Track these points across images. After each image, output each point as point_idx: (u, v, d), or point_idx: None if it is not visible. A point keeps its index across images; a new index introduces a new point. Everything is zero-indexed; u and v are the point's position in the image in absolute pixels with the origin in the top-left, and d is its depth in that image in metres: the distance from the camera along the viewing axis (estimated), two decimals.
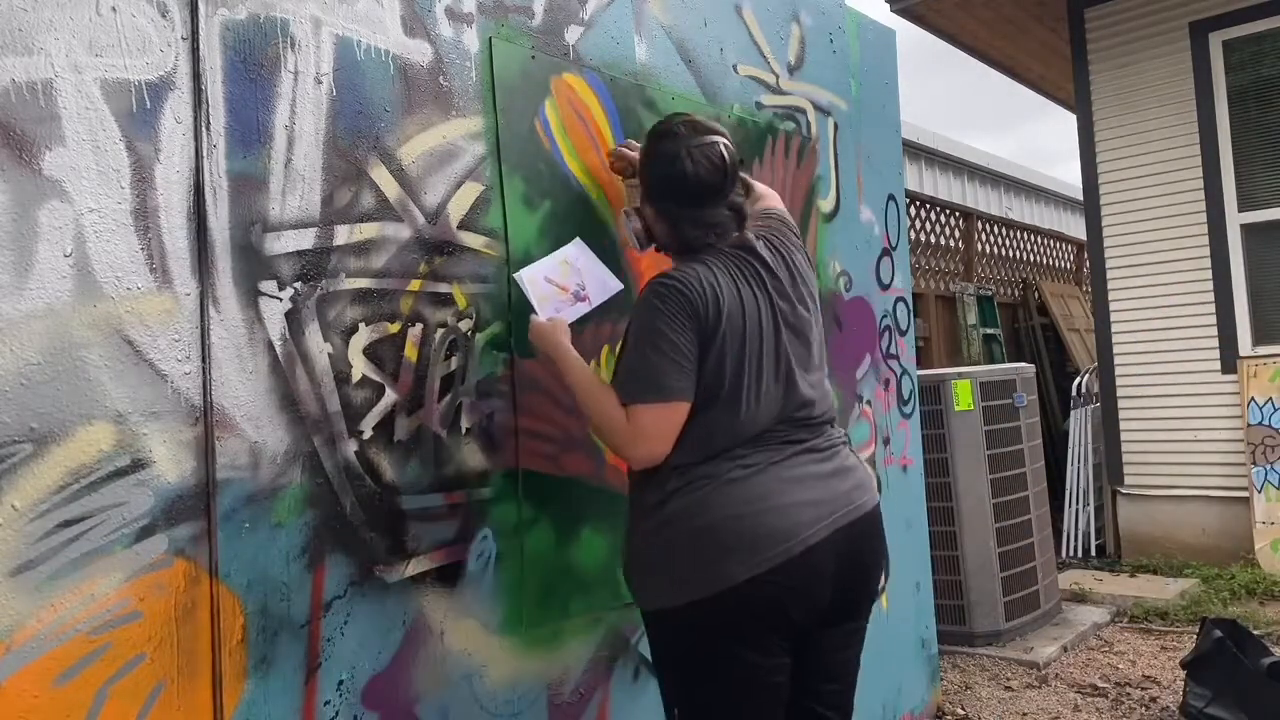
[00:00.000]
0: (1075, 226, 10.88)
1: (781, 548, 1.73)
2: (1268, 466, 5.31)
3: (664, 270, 1.90)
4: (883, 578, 1.95)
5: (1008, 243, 8.33)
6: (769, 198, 2.22)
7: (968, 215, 7.82)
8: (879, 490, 3.20)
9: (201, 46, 1.62)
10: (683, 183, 1.86)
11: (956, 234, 7.61)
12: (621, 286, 2.17)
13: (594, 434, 1.85)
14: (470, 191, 2.05)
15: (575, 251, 2.13)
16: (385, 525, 1.84)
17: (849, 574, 1.83)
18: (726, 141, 1.88)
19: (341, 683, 1.76)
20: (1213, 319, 5.59)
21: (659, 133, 1.94)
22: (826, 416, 1.92)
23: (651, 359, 1.77)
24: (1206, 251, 5.61)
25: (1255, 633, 3.60)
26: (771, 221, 2.04)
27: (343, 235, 1.81)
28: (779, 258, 1.94)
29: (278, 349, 1.70)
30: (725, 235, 1.90)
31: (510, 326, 2.09)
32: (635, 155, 2.17)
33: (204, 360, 1.60)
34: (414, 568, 1.88)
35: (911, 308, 3.61)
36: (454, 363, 1.99)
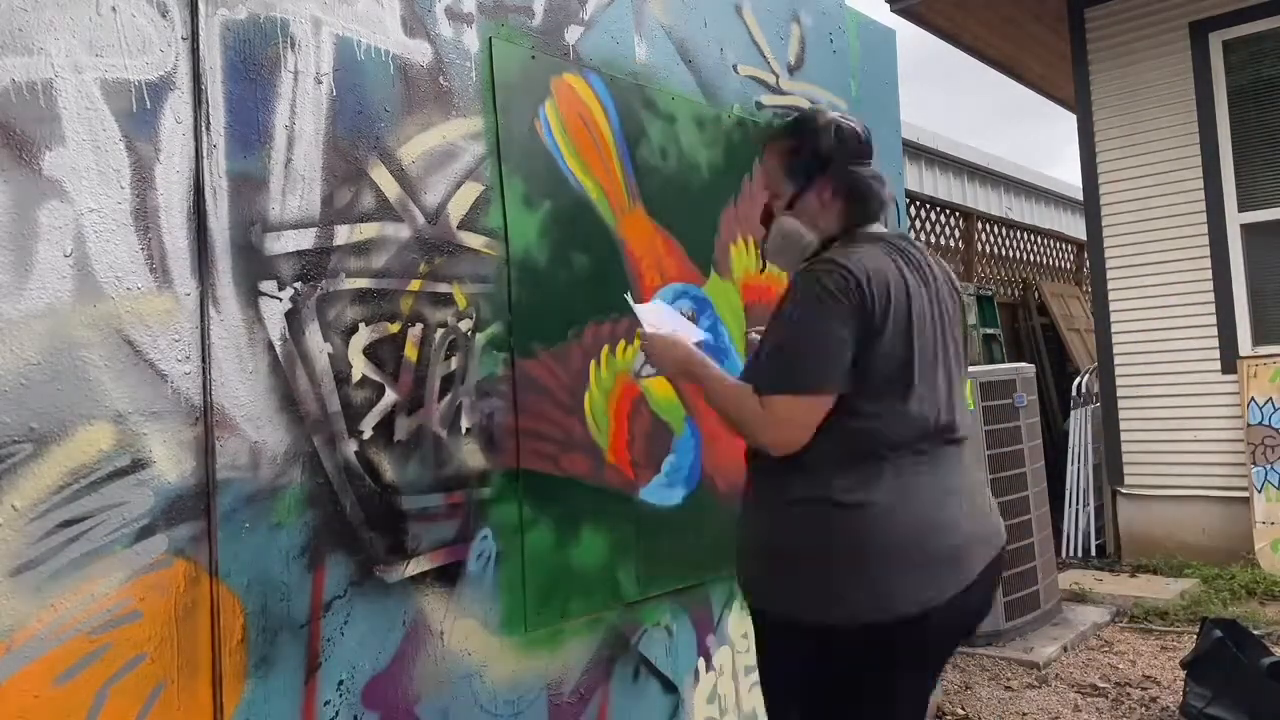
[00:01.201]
0: (1075, 226, 10.88)
1: (955, 582, 1.65)
2: (1268, 466, 5.31)
3: (823, 256, 1.78)
4: None
5: (1008, 243, 8.34)
6: None
7: (968, 215, 7.82)
8: None
9: (201, 46, 1.62)
10: (855, 140, 1.84)
11: (956, 234, 7.61)
12: (705, 336, 2.14)
13: (732, 429, 1.75)
14: (470, 191, 2.05)
15: (658, 306, 2.17)
16: (385, 525, 1.84)
17: (980, 603, 1.75)
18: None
19: (341, 683, 1.76)
20: (1213, 319, 5.59)
21: (798, 123, 1.90)
22: (970, 434, 1.83)
23: (797, 347, 1.67)
24: (1206, 251, 5.61)
25: (1255, 633, 3.60)
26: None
27: (343, 235, 1.81)
28: (928, 262, 1.84)
29: (278, 349, 1.70)
30: (886, 210, 1.86)
31: (510, 326, 2.09)
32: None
33: (204, 360, 1.60)
34: (414, 568, 1.88)
35: None
36: (454, 363, 1.99)
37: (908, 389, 1.68)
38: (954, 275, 1.91)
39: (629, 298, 2.08)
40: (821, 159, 1.85)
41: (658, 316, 2.07)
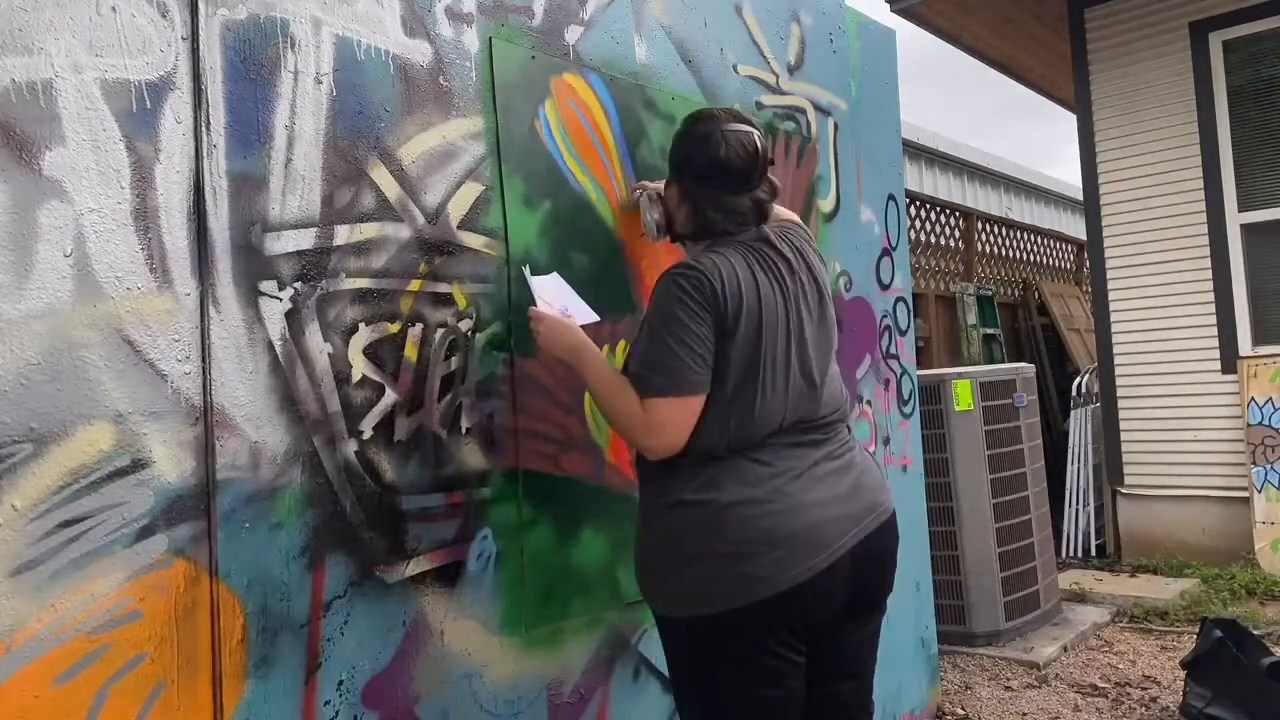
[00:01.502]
0: (1075, 226, 10.89)
1: (811, 562, 1.71)
2: (1268, 466, 5.31)
3: (683, 260, 1.89)
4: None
5: (1008, 243, 8.34)
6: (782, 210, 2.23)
7: (968, 215, 7.82)
8: None
9: (201, 46, 1.62)
10: (713, 163, 1.87)
11: (956, 234, 7.61)
12: (599, 319, 2.13)
13: (610, 425, 1.83)
14: (470, 191, 2.05)
15: (556, 280, 2.13)
16: (385, 525, 1.84)
17: (866, 574, 1.82)
18: (761, 135, 1.91)
19: (341, 683, 1.76)
20: (1213, 319, 5.59)
21: (697, 116, 1.96)
22: (841, 416, 1.91)
23: (669, 349, 1.74)
24: (1206, 251, 5.61)
25: (1255, 633, 3.60)
26: (785, 223, 2.05)
27: (343, 235, 1.81)
28: (796, 254, 1.93)
29: (278, 349, 1.70)
30: (745, 226, 1.90)
31: (510, 326, 2.09)
32: (655, 188, 2.22)
33: (204, 360, 1.60)
34: (414, 568, 1.88)
35: (911, 308, 3.61)
36: (454, 363, 1.99)
37: (755, 391, 1.77)
38: (811, 244, 1.99)
39: (526, 270, 2.06)
40: (676, 164, 1.97)
41: (554, 293, 2.07)
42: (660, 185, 2.25)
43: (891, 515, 1.88)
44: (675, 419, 1.74)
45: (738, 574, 1.71)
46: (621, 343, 2.34)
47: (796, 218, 2.21)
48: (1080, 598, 5.02)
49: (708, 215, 1.90)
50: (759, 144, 1.88)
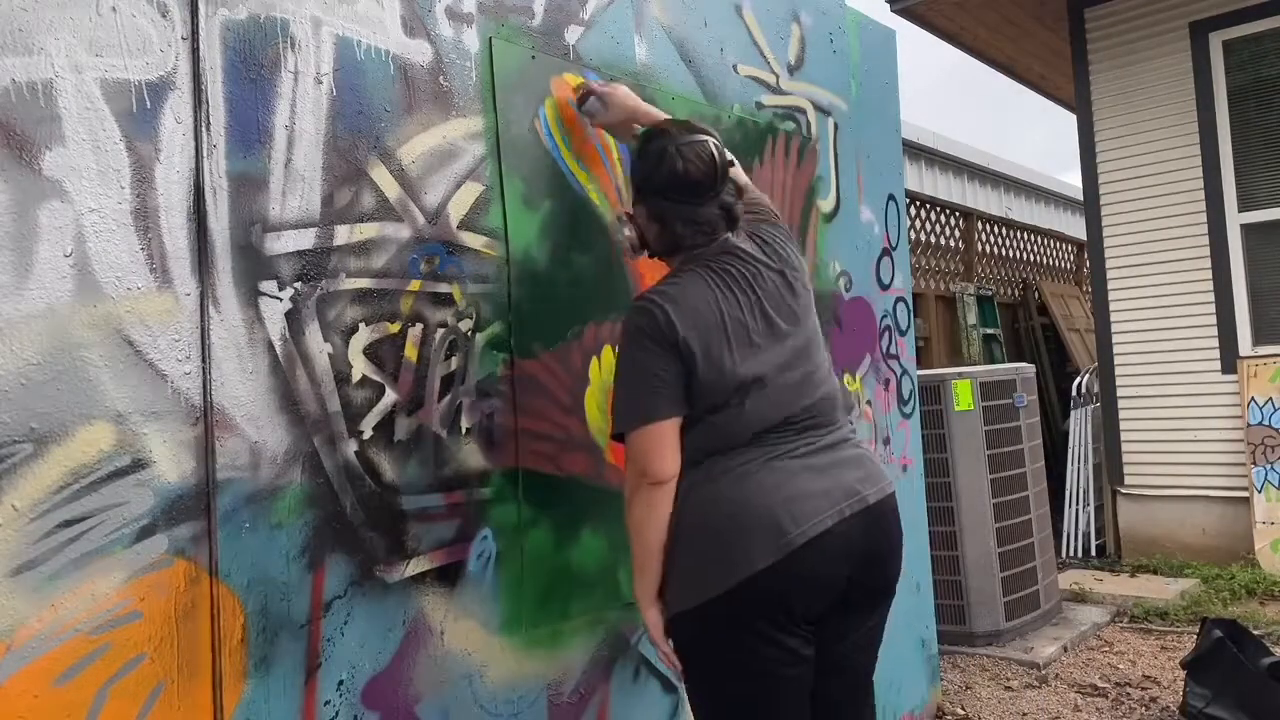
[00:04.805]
0: (1075, 226, 10.88)
1: (786, 539, 1.73)
2: (1268, 466, 5.31)
3: (645, 290, 1.92)
4: (900, 570, 1.96)
5: (1008, 243, 8.34)
6: (750, 190, 2.23)
7: (968, 215, 7.82)
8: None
9: (201, 46, 1.62)
10: (672, 178, 1.88)
11: (956, 234, 7.61)
12: None
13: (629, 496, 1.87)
14: (470, 191, 2.05)
15: None
16: (385, 525, 1.84)
17: (863, 566, 1.83)
18: (716, 141, 1.91)
19: (341, 683, 1.76)
20: (1213, 319, 5.59)
21: (649, 134, 1.97)
22: (831, 407, 1.91)
23: (634, 388, 1.81)
24: (1206, 251, 5.61)
25: (1255, 633, 3.61)
26: (759, 211, 2.06)
27: (343, 235, 1.81)
28: (771, 251, 1.94)
29: (278, 349, 1.70)
30: (715, 235, 1.91)
31: (510, 326, 2.09)
32: (608, 92, 2.22)
33: (204, 360, 1.60)
34: (414, 568, 1.88)
35: (911, 308, 3.61)
36: (454, 363, 1.99)
37: (728, 406, 1.81)
38: (785, 234, 2.02)
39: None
40: (637, 184, 1.99)
41: None
42: (603, 84, 2.28)
43: (882, 507, 1.86)
44: (652, 446, 1.78)
45: (708, 562, 1.75)
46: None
47: (768, 204, 2.19)
48: (1080, 598, 5.02)
49: (676, 230, 1.92)
50: (714, 152, 1.89)
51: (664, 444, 1.79)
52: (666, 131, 1.93)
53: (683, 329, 1.78)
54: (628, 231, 2.03)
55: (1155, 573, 5.45)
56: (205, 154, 1.62)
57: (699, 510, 1.79)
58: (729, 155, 1.94)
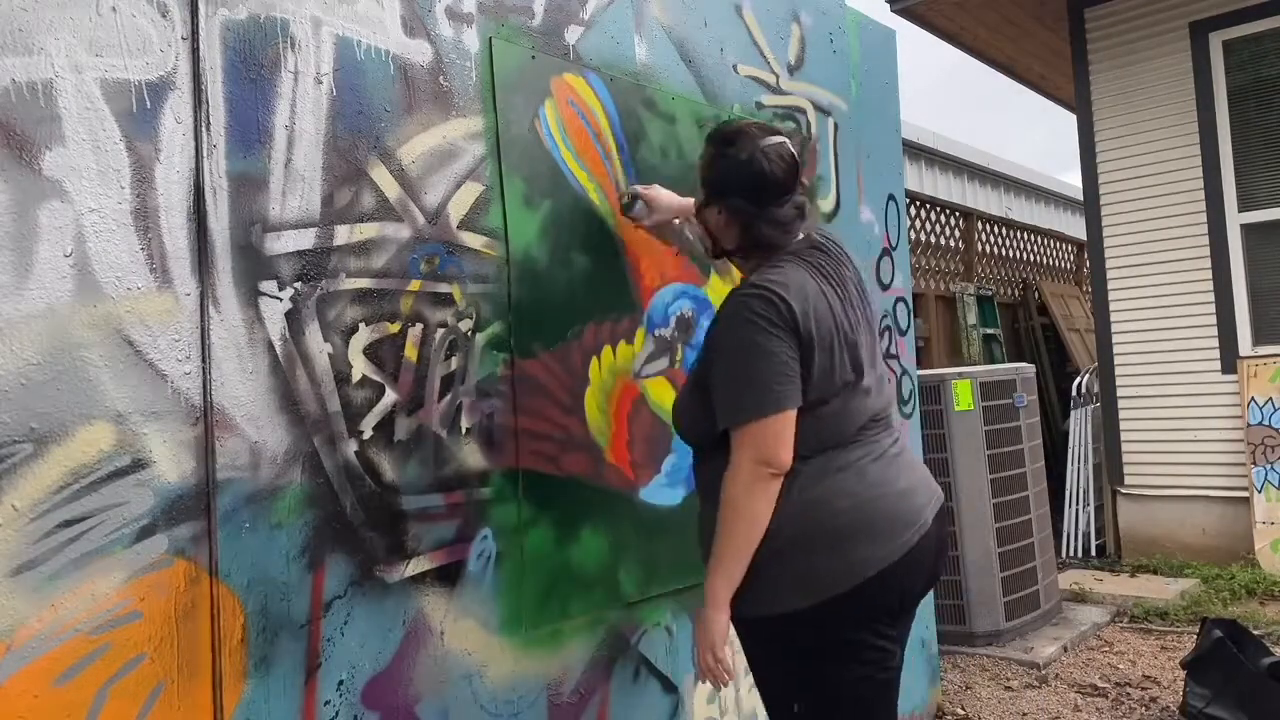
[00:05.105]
0: (1075, 226, 10.89)
1: (910, 532, 1.77)
2: (1268, 466, 5.31)
3: (748, 280, 1.88)
4: None
5: (1008, 243, 8.34)
6: None
7: (968, 215, 7.82)
8: None
9: (201, 46, 1.62)
10: (761, 180, 1.87)
11: (956, 234, 7.61)
12: None
13: (739, 499, 1.77)
14: (470, 191, 2.05)
15: None
16: (385, 525, 1.84)
17: (936, 559, 1.88)
18: (792, 141, 1.92)
19: (341, 683, 1.76)
20: (1213, 319, 5.59)
21: (727, 136, 1.94)
22: (892, 411, 1.96)
23: (759, 374, 1.74)
24: (1206, 251, 5.61)
25: (1255, 633, 3.61)
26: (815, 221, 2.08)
27: (343, 235, 1.81)
28: (843, 256, 1.97)
29: (278, 349, 1.70)
30: (792, 234, 1.92)
31: (510, 326, 2.09)
32: (653, 196, 2.31)
33: (204, 360, 1.60)
34: (414, 568, 1.88)
35: (911, 308, 3.61)
36: (454, 363, 1.99)
37: (837, 396, 1.80)
38: (838, 238, 2.04)
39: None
40: (718, 187, 1.95)
41: None
42: (647, 188, 2.31)
43: (943, 505, 1.93)
44: (780, 434, 1.73)
45: (832, 560, 1.74)
46: (622, 343, 2.34)
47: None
48: (1080, 598, 5.02)
49: (762, 231, 1.90)
50: (795, 151, 1.91)
51: (789, 433, 1.75)
52: (746, 132, 1.91)
53: (803, 317, 1.76)
54: (698, 230, 2.03)
55: (1155, 573, 5.45)
56: (205, 154, 1.62)
57: (815, 507, 1.76)
58: (804, 154, 1.96)
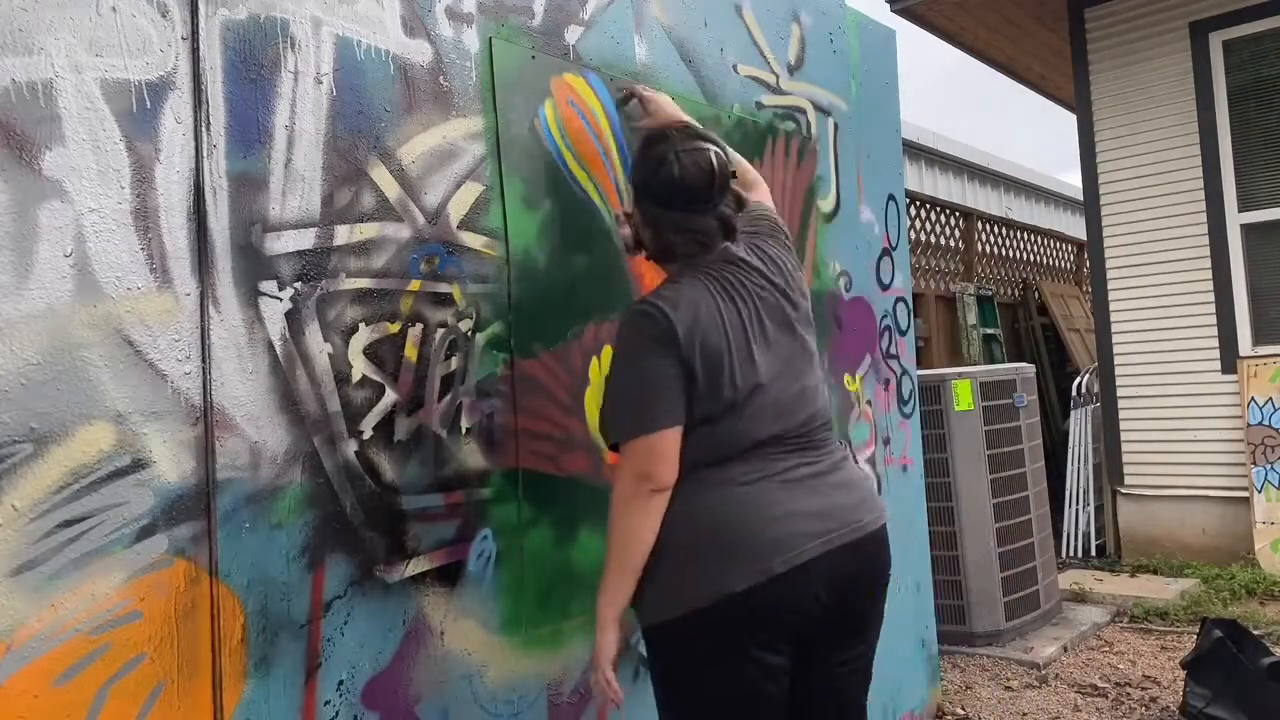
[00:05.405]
0: (1075, 226, 10.89)
1: (766, 564, 1.69)
2: (1268, 466, 5.31)
3: (643, 295, 1.88)
4: (885, 598, 1.92)
5: (1008, 243, 8.33)
6: (758, 187, 2.21)
7: (968, 215, 7.82)
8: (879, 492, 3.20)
9: (201, 46, 1.62)
10: (669, 185, 1.83)
11: (956, 234, 7.61)
12: None
13: (617, 505, 1.81)
14: (470, 191, 2.05)
15: None
16: (385, 525, 1.84)
17: (850, 593, 1.79)
18: (719, 151, 1.86)
19: (341, 683, 1.76)
20: (1213, 319, 5.59)
21: (652, 137, 1.93)
22: (824, 425, 1.88)
23: (639, 392, 1.75)
24: (1206, 251, 5.61)
25: (1255, 633, 3.61)
26: (760, 223, 2.01)
27: (343, 235, 1.81)
28: (769, 262, 1.90)
29: (278, 349, 1.70)
30: (711, 246, 1.86)
31: (510, 326, 2.09)
32: (652, 98, 2.30)
33: (204, 360, 1.60)
34: (414, 568, 1.88)
35: (911, 308, 3.61)
36: (454, 363, 1.99)
37: (724, 417, 1.76)
38: (784, 241, 2.00)
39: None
40: (636, 187, 1.94)
41: None
42: (650, 90, 2.33)
43: (876, 535, 1.83)
44: (659, 452, 1.73)
45: (690, 574, 1.71)
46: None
47: (764, 196, 2.17)
48: (1080, 598, 5.02)
49: (670, 239, 1.88)
50: (716, 161, 1.84)
51: (671, 450, 1.74)
52: (669, 136, 1.88)
53: (685, 334, 1.74)
54: (625, 230, 2.02)
55: (1155, 573, 5.45)
56: (205, 154, 1.62)
57: (686, 522, 1.74)
58: (731, 166, 1.89)
